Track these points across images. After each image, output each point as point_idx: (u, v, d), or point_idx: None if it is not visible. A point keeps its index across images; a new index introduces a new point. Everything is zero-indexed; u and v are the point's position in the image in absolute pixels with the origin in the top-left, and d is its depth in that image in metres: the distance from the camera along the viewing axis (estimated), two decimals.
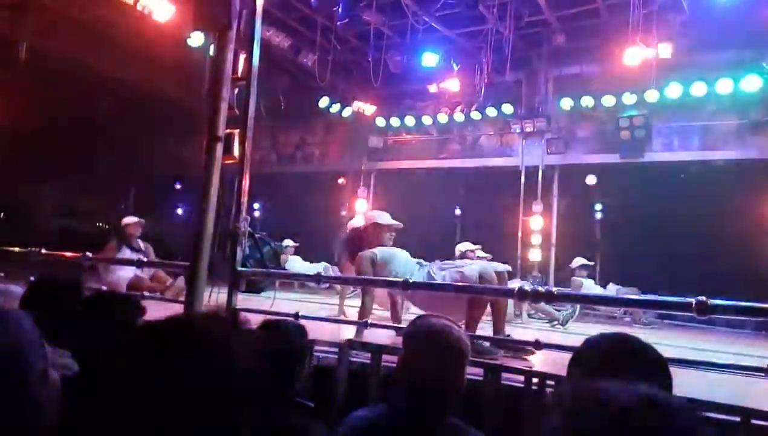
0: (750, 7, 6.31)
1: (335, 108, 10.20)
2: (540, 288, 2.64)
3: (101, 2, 7.39)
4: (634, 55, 6.98)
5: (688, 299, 2.18)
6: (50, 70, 8.28)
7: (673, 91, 7.77)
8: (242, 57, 3.46)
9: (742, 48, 7.24)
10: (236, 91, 3.46)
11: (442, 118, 9.61)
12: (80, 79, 8.98)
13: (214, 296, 3.16)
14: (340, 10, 7.06)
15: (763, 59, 6.73)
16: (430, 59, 8.49)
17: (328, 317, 4.29)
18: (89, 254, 3.98)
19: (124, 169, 12.04)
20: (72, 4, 7.81)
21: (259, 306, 3.57)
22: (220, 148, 3.06)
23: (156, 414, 0.69)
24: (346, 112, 10.21)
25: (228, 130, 3.23)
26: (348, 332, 3.56)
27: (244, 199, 3.31)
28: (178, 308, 3.26)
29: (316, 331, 3.21)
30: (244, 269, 3.23)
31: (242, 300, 3.40)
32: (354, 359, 2.88)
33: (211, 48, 3.43)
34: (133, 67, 8.85)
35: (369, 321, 3.56)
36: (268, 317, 2.57)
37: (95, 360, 0.80)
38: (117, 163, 11.66)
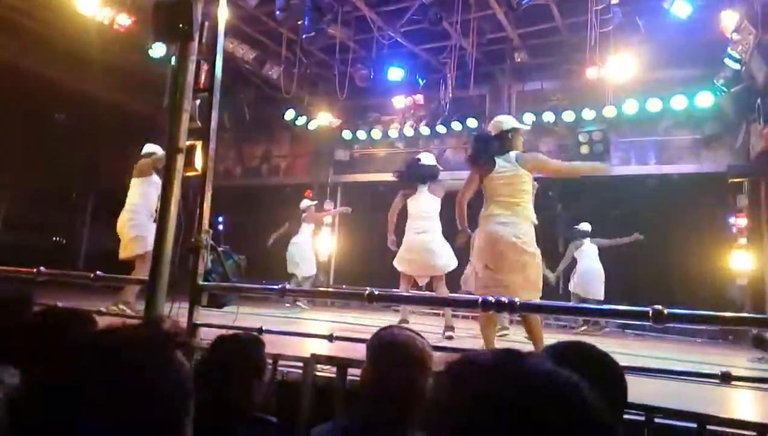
0: (702, 27, 6.58)
1: (301, 121, 10.16)
2: (503, 299, 2.66)
3: (58, 12, 7.21)
4: (592, 72, 7.20)
5: (645, 308, 2.23)
6: (3, 81, 8.02)
7: (630, 107, 8.03)
8: (205, 68, 3.42)
9: (695, 66, 7.53)
10: (198, 102, 3.42)
11: (408, 131, 9.68)
12: (36, 89, 8.74)
13: (174, 311, 3.08)
14: (305, 23, 7.06)
15: (715, 76, 7.01)
16: (395, 73, 8.57)
17: (293, 331, 4.22)
18: (43, 269, 3.84)
19: (82, 181, 11.70)
20: (28, 14, 7.62)
21: (222, 321, 3.50)
22: (181, 159, 3.01)
23: (91, 429, 0.68)
24: (312, 125, 10.19)
25: (190, 142, 3.18)
26: (314, 347, 3.52)
27: (207, 211, 3.26)
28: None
29: (281, 345, 3.17)
30: (205, 283, 3.17)
31: (204, 315, 3.33)
32: (320, 374, 2.84)
33: (173, 58, 3.38)
34: (91, 77, 8.65)
35: (335, 335, 3.53)
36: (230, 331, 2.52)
37: (41, 377, 0.77)
38: (75, 176, 11.33)
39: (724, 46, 6.31)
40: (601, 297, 7.28)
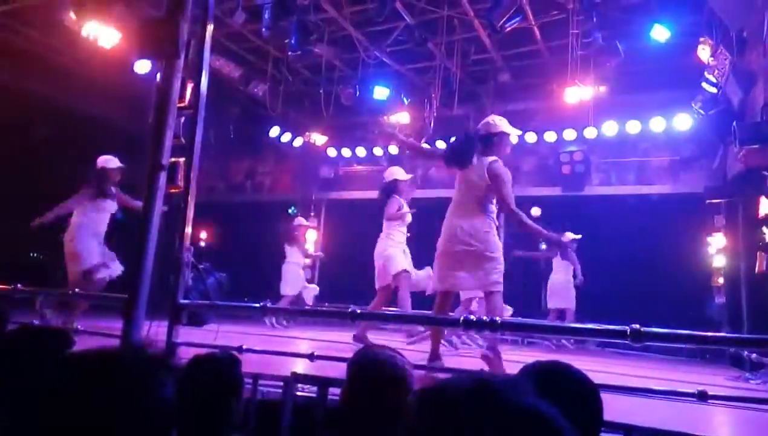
0: (680, 52, 6.76)
1: (286, 138, 10.18)
2: (484, 317, 2.68)
3: (44, 28, 7.19)
4: (573, 94, 7.33)
5: (623, 327, 2.26)
6: None
7: (610, 128, 8.19)
8: (190, 86, 3.43)
9: (673, 89, 7.69)
10: (183, 119, 3.42)
11: (393, 149, 9.74)
12: (19, 105, 8.64)
13: (153, 330, 3.04)
14: (291, 41, 7.11)
15: (692, 100, 7.18)
16: (381, 93, 8.65)
17: (274, 349, 4.19)
18: (20, 286, 3.78)
19: (64, 197, 11.52)
20: (12, 29, 7.58)
21: (202, 339, 3.46)
22: (163, 176, 3.00)
23: None
24: (297, 142, 10.22)
25: (173, 159, 3.18)
26: (294, 365, 3.50)
27: (188, 228, 3.24)
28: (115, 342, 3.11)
29: (262, 364, 3.14)
30: (185, 301, 3.14)
31: (184, 333, 3.30)
32: (300, 393, 2.82)
33: (158, 75, 3.38)
34: (76, 92, 8.60)
35: (316, 353, 3.51)
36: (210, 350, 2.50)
37: (17, 400, 0.76)
38: (56, 191, 11.15)
39: (702, 70, 6.47)
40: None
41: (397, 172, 5.81)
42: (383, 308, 5.35)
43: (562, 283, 7.78)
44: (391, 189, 5.71)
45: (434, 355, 3.99)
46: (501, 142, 4.16)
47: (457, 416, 0.62)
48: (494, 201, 4.08)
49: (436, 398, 0.66)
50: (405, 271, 5.39)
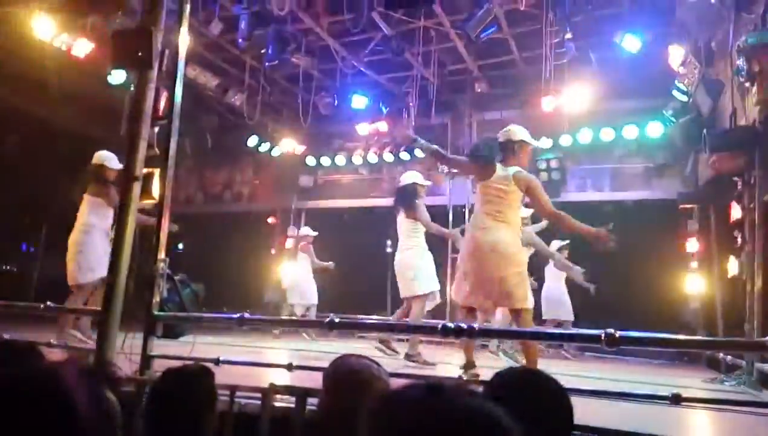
0: (652, 61, 6.90)
1: (264, 147, 10.14)
2: (462, 324, 2.69)
3: (16, 37, 7.06)
4: (548, 102, 7.44)
5: (598, 332, 2.29)
6: None
7: (585, 136, 8.32)
8: (164, 96, 3.41)
9: (645, 97, 7.86)
10: (157, 129, 3.39)
11: (372, 158, 9.78)
12: None
13: (128, 343, 2.99)
14: (269, 52, 7.10)
15: (664, 108, 7.33)
16: (359, 102, 8.68)
17: (252, 360, 4.14)
18: None
19: (35, 208, 11.29)
20: None
21: (178, 352, 3.41)
22: (137, 187, 2.96)
23: None
24: (276, 152, 10.18)
25: (147, 170, 3.15)
26: (272, 377, 3.46)
27: (163, 239, 3.21)
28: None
29: (241, 375, 3.10)
30: (161, 313, 3.10)
31: (161, 346, 3.25)
32: (279, 404, 2.79)
33: (132, 85, 3.35)
34: (47, 102, 8.46)
35: (294, 363, 3.48)
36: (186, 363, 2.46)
37: None
38: (26, 202, 10.94)
39: (672, 79, 6.62)
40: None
41: (416, 177, 5.59)
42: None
43: (557, 294, 7.53)
44: (412, 192, 5.47)
45: (470, 364, 3.96)
46: (521, 150, 4.12)
47: (407, 420, 0.64)
48: (518, 212, 4.04)
49: (390, 403, 0.67)
50: (431, 293, 5.25)
